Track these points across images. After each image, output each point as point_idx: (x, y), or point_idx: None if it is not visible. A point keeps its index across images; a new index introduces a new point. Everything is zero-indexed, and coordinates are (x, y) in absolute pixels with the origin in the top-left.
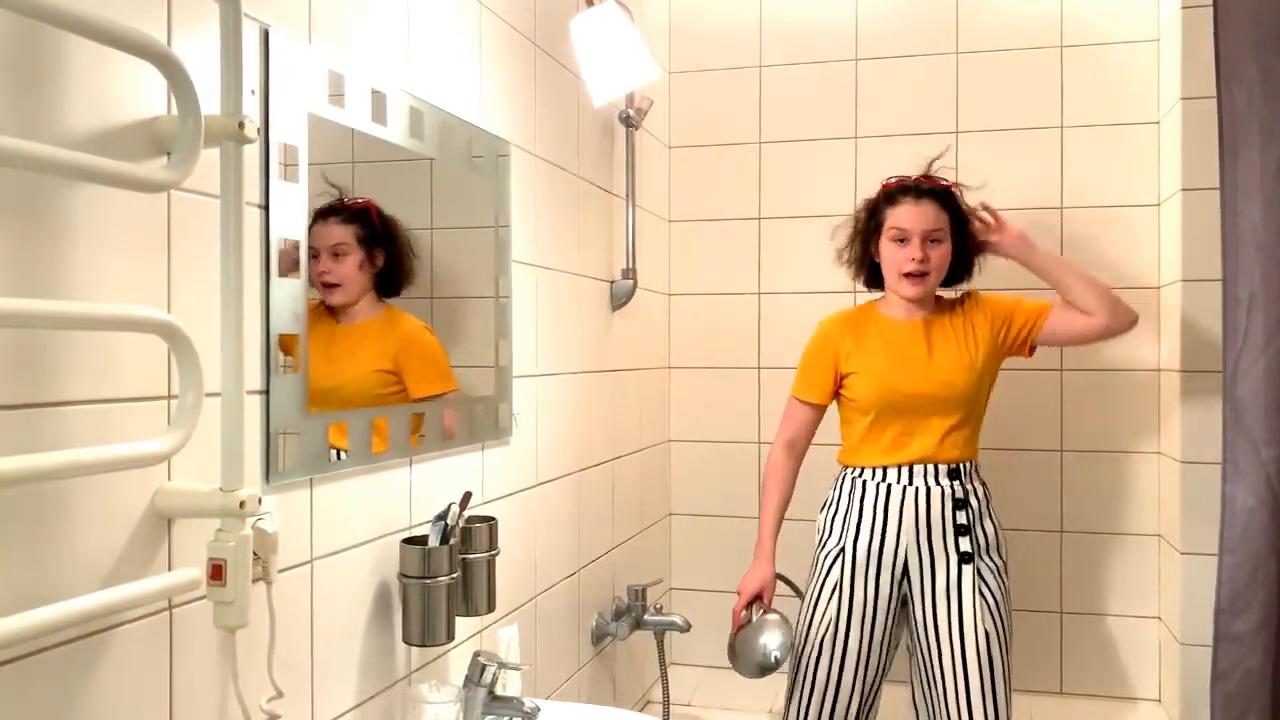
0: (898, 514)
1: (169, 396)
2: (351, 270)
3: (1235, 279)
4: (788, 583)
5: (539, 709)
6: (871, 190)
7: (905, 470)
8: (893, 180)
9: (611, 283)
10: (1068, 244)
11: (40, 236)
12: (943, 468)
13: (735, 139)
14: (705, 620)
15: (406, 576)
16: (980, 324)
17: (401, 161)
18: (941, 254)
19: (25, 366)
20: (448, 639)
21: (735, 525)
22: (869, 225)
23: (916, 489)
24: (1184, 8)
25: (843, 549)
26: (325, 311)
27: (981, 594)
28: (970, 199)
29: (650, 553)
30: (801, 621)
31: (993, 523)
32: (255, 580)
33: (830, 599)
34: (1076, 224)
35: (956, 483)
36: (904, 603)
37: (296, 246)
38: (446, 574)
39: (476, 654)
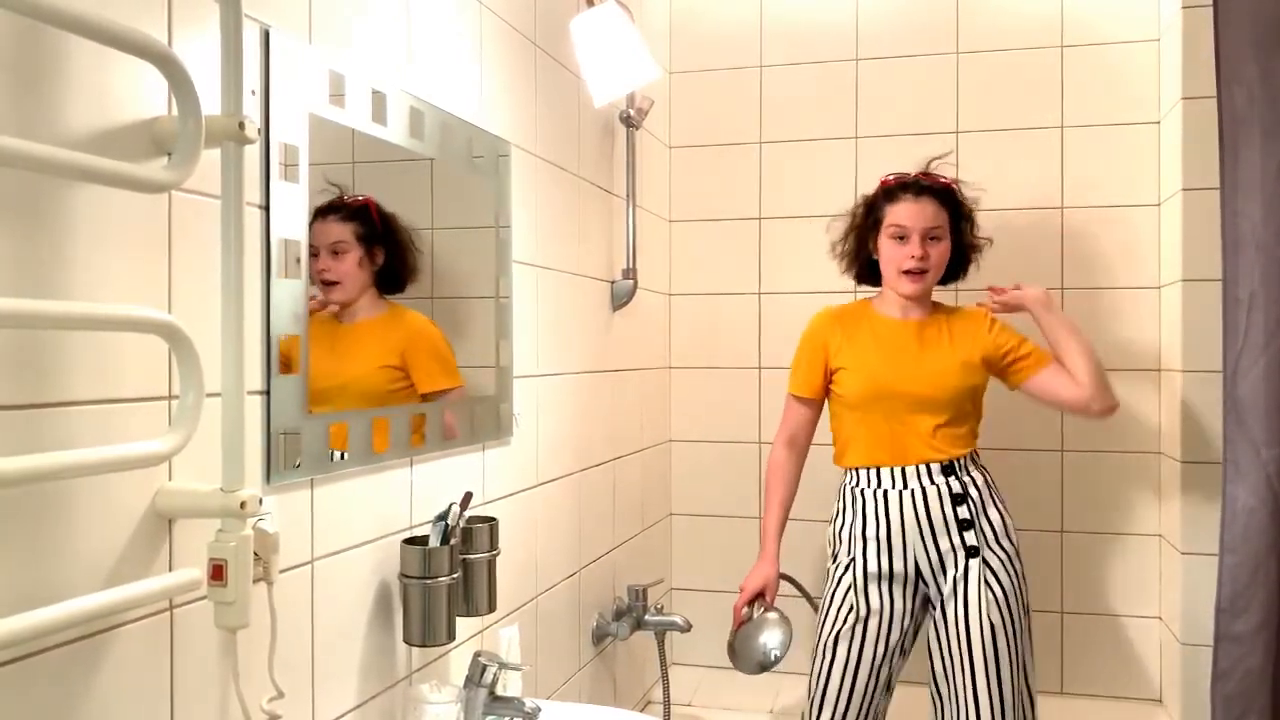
0: (899, 520)
1: (170, 397)
2: (351, 268)
3: (1235, 279)
4: (793, 583)
5: (540, 709)
6: (871, 189)
7: (899, 473)
8: (891, 177)
9: (612, 283)
10: (1068, 244)
11: (41, 237)
12: (935, 465)
13: (735, 139)
14: (706, 620)
15: (407, 577)
16: (981, 336)
17: (402, 161)
18: (940, 252)
19: (26, 367)
20: (448, 639)
21: (736, 525)
22: (867, 221)
23: (913, 491)
24: (1184, 8)
25: (853, 559)
26: (327, 310)
27: (988, 584)
28: (970, 198)
29: (651, 553)
30: (817, 622)
31: (998, 510)
32: (256, 580)
33: (844, 601)
34: (1077, 224)
35: (952, 478)
36: (925, 602)
37: (297, 247)
38: (447, 574)
39: (477, 654)
